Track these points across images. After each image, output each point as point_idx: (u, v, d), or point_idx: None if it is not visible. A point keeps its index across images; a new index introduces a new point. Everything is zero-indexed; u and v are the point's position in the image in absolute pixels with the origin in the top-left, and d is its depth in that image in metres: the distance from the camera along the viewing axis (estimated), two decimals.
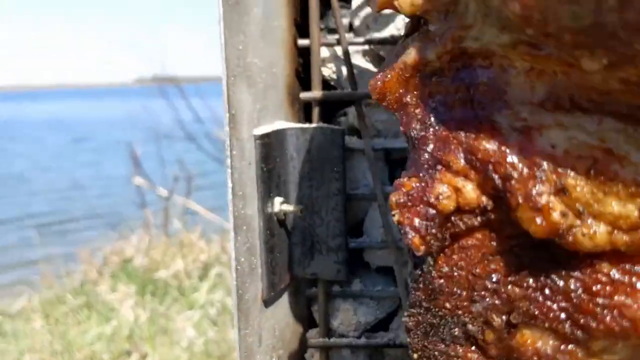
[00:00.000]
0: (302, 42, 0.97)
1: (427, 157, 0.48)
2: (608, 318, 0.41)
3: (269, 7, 0.91)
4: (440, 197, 0.46)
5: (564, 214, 0.41)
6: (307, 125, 0.96)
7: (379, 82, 0.52)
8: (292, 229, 0.97)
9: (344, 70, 0.98)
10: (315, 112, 0.98)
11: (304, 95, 0.97)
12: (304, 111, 1.01)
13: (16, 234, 6.17)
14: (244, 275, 0.86)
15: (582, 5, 0.33)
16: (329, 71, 1.01)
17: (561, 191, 0.41)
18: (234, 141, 0.81)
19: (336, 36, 0.96)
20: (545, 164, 0.42)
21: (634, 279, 0.41)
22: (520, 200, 0.42)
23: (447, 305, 0.49)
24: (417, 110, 0.50)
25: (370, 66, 0.99)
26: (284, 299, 1.00)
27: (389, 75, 0.51)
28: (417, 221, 0.47)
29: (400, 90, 0.51)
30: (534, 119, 0.43)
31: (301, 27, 0.99)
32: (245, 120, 0.85)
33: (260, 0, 0.88)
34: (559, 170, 0.42)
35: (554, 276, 0.44)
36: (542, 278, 0.44)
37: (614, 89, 0.38)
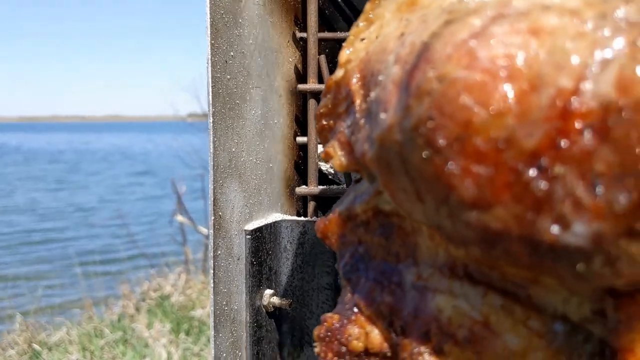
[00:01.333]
0: (300, 139, 1.01)
1: (349, 297, 0.51)
2: None
3: (269, 106, 0.95)
4: (351, 337, 0.49)
5: None
6: (301, 218, 0.99)
7: (321, 224, 0.57)
8: (282, 322, 1.00)
9: None
10: (311, 206, 1.01)
11: (300, 190, 1.00)
12: (302, 202, 1.04)
13: (62, 265, 6.42)
14: None
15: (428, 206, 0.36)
16: (326, 166, 1.04)
17: (441, 353, 0.43)
18: (219, 240, 0.85)
19: None
20: (431, 326, 0.44)
21: None
22: (405, 356, 0.45)
23: None
24: (347, 255, 0.53)
25: None
26: None
27: (330, 219, 0.55)
28: (330, 356, 0.51)
29: (339, 233, 0.55)
30: (432, 281, 0.45)
31: (302, 123, 1.03)
32: (235, 218, 0.89)
33: (258, 102, 0.93)
34: (441, 334, 0.44)
35: None
36: None
37: (499, 264, 0.40)
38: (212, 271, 0.83)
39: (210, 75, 0.79)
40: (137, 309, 5.13)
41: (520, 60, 0.34)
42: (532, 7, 0.35)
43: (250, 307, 0.92)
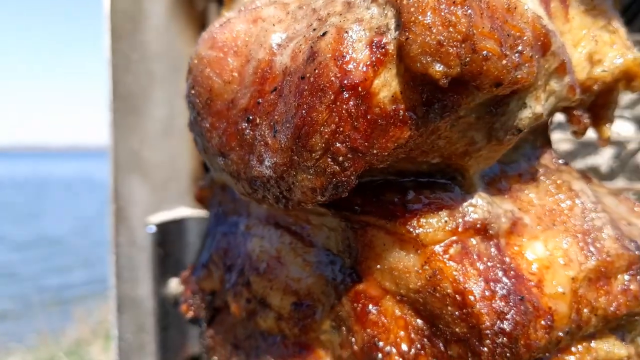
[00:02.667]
0: None
1: (204, 254, 0.61)
2: None
3: (174, 108, 1.03)
4: (200, 279, 0.62)
5: (248, 300, 0.54)
6: (207, 212, 1.07)
7: (197, 190, 0.67)
8: None
9: None
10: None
11: (202, 184, 1.08)
12: None
13: (17, 289, 6.32)
14: (130, 351, 0.94)
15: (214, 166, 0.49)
16: None
17: (247, 284, 0.55)
18: (121, 229, 0.91)
19: None
20: (245, 263, 0.55)
21: None
22: (228, 288, 0.57)
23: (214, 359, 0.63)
24: (212, 215, 0.63)
25: None
26: None
27: (202, 186, 0.65)
28: (188, 293, 0.64)
29: (208, 197, 0.65)
30: (254, 229, 0.56)
31: None
32: (139, 211, 0.96)
33: (163, 103, 1.00)
34: (250, 268, 0.54)
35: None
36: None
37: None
38: (114, 257, 0.90)
39: (110, 76, 0.87)
40: (94, 334, 5.08)
41: (240, 41, 0.45)
42: (264, 3, 0.46)
43: (157, 295, 0.98)
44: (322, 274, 0.51)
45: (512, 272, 0.44)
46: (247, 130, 0.44)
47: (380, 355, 0.47)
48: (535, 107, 0.42)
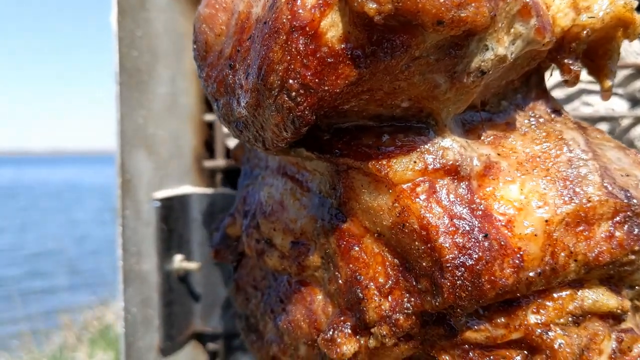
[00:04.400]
0: (208, 117, 1.11)
1: (233, 206, 0.67)
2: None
3: (177, 86, 1.06)
4: (225, 225, 0.71)
5: (257, 241, 0.61)
6: (210, 190, 1.09)
7: (233, 150, 0.75)
8: (194, 286, 1.08)
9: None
10: (219, 178, 1.11)
11: (207, 163, 1.10)
12: (211, 176, 1.14)
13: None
14: (135, 325, 0.96)
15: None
16: (233, 142, 1.14)
17: (257, 227, 0.61)
18: (128, 202, 0.93)
19: None
20: (257, 209, 0.62)
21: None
22: (243, 232, 0.65)
23: (239, 301, 0.71)
24: (242, 172, 0.73)
25: None
26: (186, 353, 1.10)
27: (237, 146, 0.71)
28: (216, 241, 0.74)
29: (240, 156, 0.69)
30: (267, 179, 0.62)
31: (209, 103, 1.13)
32: (144, 185, 0.98)
33: (167, 81, 1.03)
34: (260, 213, 0.61)
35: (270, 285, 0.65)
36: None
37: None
38: (121, 229, 0.91)
39: (117, 49, 0.89)
40: (79, 339, 5.04)
41: None
42: None
43: (161, 270, 1.00)
44: (314, 215, 0.56)
45: (479, 212, 0.47)
46: (230, 76, 0.49)
47: (359, 288, 0.51)
48: (497, 48, 0.43)
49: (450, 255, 0.45)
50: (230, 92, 0.49)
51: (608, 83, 0.52)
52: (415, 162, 0.48)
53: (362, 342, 0.51)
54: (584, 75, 1.11)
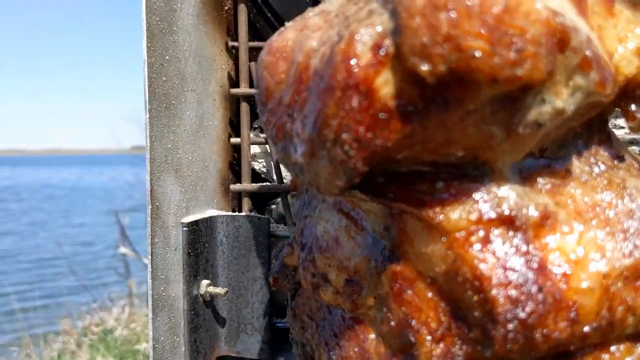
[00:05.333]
0: (234, 140, 1.11)
1: (291, 235, 0.75)
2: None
3: (204, 109, 1.06)
4: (283, 255, 0.75)
5: (313, 275, 0.63)
6: (236, 213, 1.09)
7: (292, 179, 0.80)
8: (219, 310, 1.08)
9: (273, 165, 1.12)
10: (245, 202, 1.11)
11: (234, 187, 1.10)
12: (238, 200, 1.14)
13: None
14: (164, 353, 0.96)
15: None
16: (259, 165, 1.14)
17: (312, 261, 0.63)
18: (157, 229, 0.93)
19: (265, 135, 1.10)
20: (313, 243, 0.64)
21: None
22: (299, 265, 0.67)
23: (295, 329, 0.74)
24: (300, 201, 0.76)
25: None
26: None
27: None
28: (274, 269, 0.78)
29: (299, 185, 0.78)
30: (323, 212, 0.64)
31: (236, 125, 1.13)
32: (172, 210, 0.98)
33: (193, 104, 1.03)
34: (315, 247, 0.63)
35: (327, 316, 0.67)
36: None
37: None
38: (150, 257, 0.91)
39: (147, 76, 0.89)
40: (79, 345, 5.04)
41: (289, 47, 0.53)
42: (313, 12, 0.55)
43: (188, 296, 1.00)
44: (368, 255, 0.58)
45: (534, 264, 0.47)
46: (288, 124, 0.50)
47: (411, 332, 0.52)
48: (556, 102, 0.44)
49: (503, 308, 0.46)
50: (288, 138, 0.51)
51: None
52: (469, 211, 0.49)
53: None
54: None
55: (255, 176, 1.15)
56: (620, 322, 0.47)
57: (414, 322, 0.51)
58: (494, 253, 0.47)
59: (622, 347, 0.50)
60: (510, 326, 0.45)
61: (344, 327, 0.62)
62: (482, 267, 0.47)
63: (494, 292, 0.46)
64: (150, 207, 0.92)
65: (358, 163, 0.43)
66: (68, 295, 6.07)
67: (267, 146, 1.13)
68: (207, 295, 1.04)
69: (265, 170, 1.15)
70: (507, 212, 0.48)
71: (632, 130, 0.52)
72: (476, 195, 0.48)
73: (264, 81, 0.55)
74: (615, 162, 0.54)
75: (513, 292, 0.45)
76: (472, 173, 0.49)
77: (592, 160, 0.53)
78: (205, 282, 1.04)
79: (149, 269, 0.92)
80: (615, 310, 0.47)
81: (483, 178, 0.49)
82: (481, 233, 0.48)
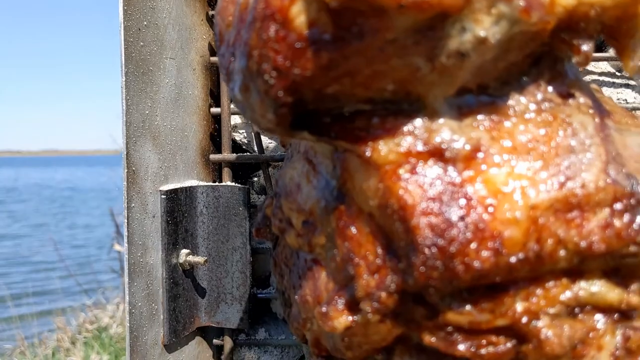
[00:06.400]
0: (215, 110, 1.12)
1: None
2: None
3: (183, 78, 1.07)
4: (265, 207, 0.76)
5: (280, 220, 0.66)
6: (216, 184, 1.10)
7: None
8: (199, 280, 1.09)
9: (254, 136, 1.12)
10: (225, 172, 1.11)
11: (214, 157, 1.11)
12: (218, 171, 1.15)
13: None
14: (141, 319, 0.97)
15: None
16: (240, 136, 1.15)
17: (280, 207, 0.66)
18: (133, 194, 0.94)
19: None
20: (282, 189, 0.66)
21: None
22: (271, 211, 0.69)
23: (277, 277, 0.76)
24: (288, 152, 0.75)
25: None
26: (191, 348, 1.10)
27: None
28: (257, 221, 0.78)
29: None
30: (294, 162, 0.66)
31: (217, 95, 1.14)
32: (150, 177, 0.99)
33: (172, 72, 1.03)
34: (283, 193, 0.66)
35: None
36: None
37: None
38: (126, 221, 0.92)
39: (123, 39, 0.90)
40: (73, 342, 5.04)
41: None
42: None
43: (167, 264, 1.01)
44: (320, 196, 0.59)
45: (460, 194, 0.47)
46: (231, 65, 0.52)
47: (352, 266, 0.53)
48: (477, 30, 0.44)
49: (423, 235, 0.47)
50: (232, 78, 0.53)
51: (630, 63, 0.52)
52: (399, 144, 0.50)
53: (353, 317, 0.53)
54: (595, 65, 1.12)
55: (236, 147, 1.17)
56: (550, 255, 0.47)
57: (354, 256, 0.53)
58: (419, 184, 0.48)
59: (558, 282, 0.50)
60: (429, 253, 0.46)
61: (305, 268, 0.63)
62: (407, 197, 0.47)
63: (415, 220, 0.47)
64: (126, 170, 0.93)
65: (279, 92, 0.45)
66: (62, 293, 6.07)
67: None
68: (187, 264, 1.05)
69: (246, 142, 1.15)
70: (437, 145, 0.48)
71: (579, 64, 0.52)
72: (408, 130, 0.49)
73: (217, 26, 0.57)
74: (566, 99, 0.54)
75: (434, 221, 0.46)
76: (407, 109, 0.50)
77: (540, 97, 0.53)
78: (184, 251, 1.05)
79: (125, 233, 0.93)
80: (544, 242, 0.47)
81: (417, 113, 0.50)
82: (409, 165, 0.49)
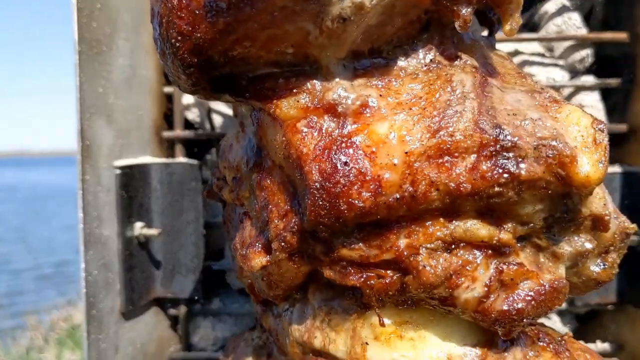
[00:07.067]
0: (167, 89, 1.17)
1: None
2: None
3: (136, 59, 1.12)
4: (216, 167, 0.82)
5: (218, 179, 0.76)
6: (169, 160, 1.16)
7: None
8: (154, 253, 1.14)
9: (205, 114, 1.18)
10: (178, 149, 1.18)
11: (167, 134, 1.17)
12: (172, 149, 1.20)
13: None
14: (97, 287, 1.02)
15: None
16: (193, 115, 1.21)
17: (218, 167, 0.75)
18: (87, 167, 1.00)
19: None
20: (221, 152, 0.74)
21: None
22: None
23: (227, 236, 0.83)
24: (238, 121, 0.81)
25: (230, 111, 1.20)
26: (148, 317, 1.16)
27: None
28: (209, 184, 0.86)
29: None
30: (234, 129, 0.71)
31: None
32: (104, 152, 1.04)
33: (126, 53, 1.09)
34: (221, 154, 0.74)
35: None
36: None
37: None
38: (81, 192, 0.98)
39: (76, 19, 0.96)
40: (46, 340, 5.04)
41: None
42: None
43: (122, 236, 1.07)
44: (245, 154, 0.68)
45: (347, 144, 0.54)
46: (154, 34, 0.59)
47: (266, 212, 0.61)
48: None
49: (313, 179, 0.54)
50: (156, 46, 0.60)
51: (507, 27, 0.59)
52: (298, 101, 0.57)
53: (267, 258, 0.61)
54: (526, 46, 1.20)
55: (190, 126, 1.22)
56: (424, 195, 0.55)
57: (269, 204, 0.61)
58: (314, 135, 0.55)
59: (435, 221, 0.57)
60: (317, 194, 0.53)
61: (238, 221, 0.70)
62: (302, 147, 0.55)
63: (308, 166, 0.54)
64: (80, 144, 0.98)
65: (185, 54, 0.53)
66: (34, 291, 6.06)
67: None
68: (142, 237, 1.11)
69: (198, 120, 1.21)
70: (330, 102, 0.56)
71: (461, 29, 0.58)
72: (307, 89, 0.57)
73: (150, 4, 0.63)
74: (452, 61, 0.61)
75: (323, 166, 0.53)
76: (308, 71, 0.58)
77: (428, 59, 0.61)
78: (139, 224, 1.11)
79: (80, 204, 0.99)
80: (418, 184, 0.54)
81: (316, 74, 0.58)
82: (306, 120, 0.56)
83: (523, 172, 0.53)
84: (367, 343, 0.60)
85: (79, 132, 0.98)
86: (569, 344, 0.66)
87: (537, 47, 1.19)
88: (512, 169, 0.53)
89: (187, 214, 1.15)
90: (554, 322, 1.21)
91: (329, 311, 0.63)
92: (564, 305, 1.19)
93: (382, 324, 0.59)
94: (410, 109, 0.56)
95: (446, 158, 0.54)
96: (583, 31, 1.16)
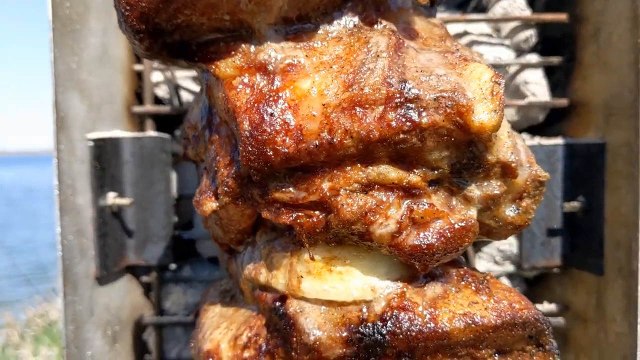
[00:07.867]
0: (137, 67, 1.25)
1: None
2: None
3: (109, 38, 1.20)
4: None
5: (184, 139, 0.85)
6: (140, 134, 1.23)
7: None
8: (127, 223, 1.22)
9: (174, 91, 1.26)
10: (149, 124, 1.25)
11: (137, 109, 1.25)
12: (141, 123, 1.28)
13: None
14: (72, 251, 1.10)
15: None
16: (162, 92, 1.29)
17: (184, 129, 0.80)
18: (62, 137, 1.07)
19: None
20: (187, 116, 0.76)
21: None
22: None
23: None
24: None
25: (197, 88, 1.28)
26: (122, 284, 1.24)
27: None
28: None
29: None
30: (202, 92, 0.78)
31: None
32: (78, 125, 1.12)
33: (98, 33, 1.17)
34: (186, 118, 0.78)
35: None
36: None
37: None
38: (56, 161, 1.05)
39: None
40: (22, 337, 5.05)
41: None
42: None
43: (95, 205, 1.14)
44: (201, 114, 0.78)
45: (275, 98, 0.63)
46: (114, 6, 0.68)
47: (215, 163, 0.71)
48: None
49: (244, 129, 0.63)
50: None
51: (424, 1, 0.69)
52: (234, 61, 0.67)
53: (216, 203, 0.71)
54: (474, 27, 1.29)
55: (160, 102, 1.30)
56: (340, 142, 0.63)
57: (217, 156, 0.71)
58: (246, 91, 0.65)
59: (354, 167, 0.66)
60: (247, 142, 0.63)
61: (200, 175, 0.78)
62: (236, 101, 0.65)
63: (240, 117, 0.64)
64: (55, 115, 1.06)
65: (134, 21, 0.62)
66: (9, 288, 6.05)
67: (168, 73, 1.27)
68: (115, 206, 1.19)
69: (167, 97, 1.29)
70: (262, 62, 0.66)
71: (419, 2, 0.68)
72: (242, 50, 0.67)
73: None
74: (372, 25, 0.70)
75: (253, 117, 0.63)
76: (244, 35, 0.67)
77: (352, 25, 0.70)
78: (112, 194, 1.19)
79: (55, 172, 1.06)
80: (334, 132, 0.63)
81: (250, 38, 0.67)
82: (241, 78, 0.66)
83: (424, 121, 0.62)
84: (301, 277, 0.69)
85: (54, 104, 1.06)
86: (491, 283, 0.75)
87: (485, 27, 1.29)
88: (414, 118, 0.62)
89: (157, 185, 1.23)
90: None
91: (270, 250, 0.72)
92: (512, 269, 1.29)
93: (312, 259, 0.68)
94: (331, 67, 0.65)
95: (358, 109, 0.63)
96: (527, 13, 1.26)
